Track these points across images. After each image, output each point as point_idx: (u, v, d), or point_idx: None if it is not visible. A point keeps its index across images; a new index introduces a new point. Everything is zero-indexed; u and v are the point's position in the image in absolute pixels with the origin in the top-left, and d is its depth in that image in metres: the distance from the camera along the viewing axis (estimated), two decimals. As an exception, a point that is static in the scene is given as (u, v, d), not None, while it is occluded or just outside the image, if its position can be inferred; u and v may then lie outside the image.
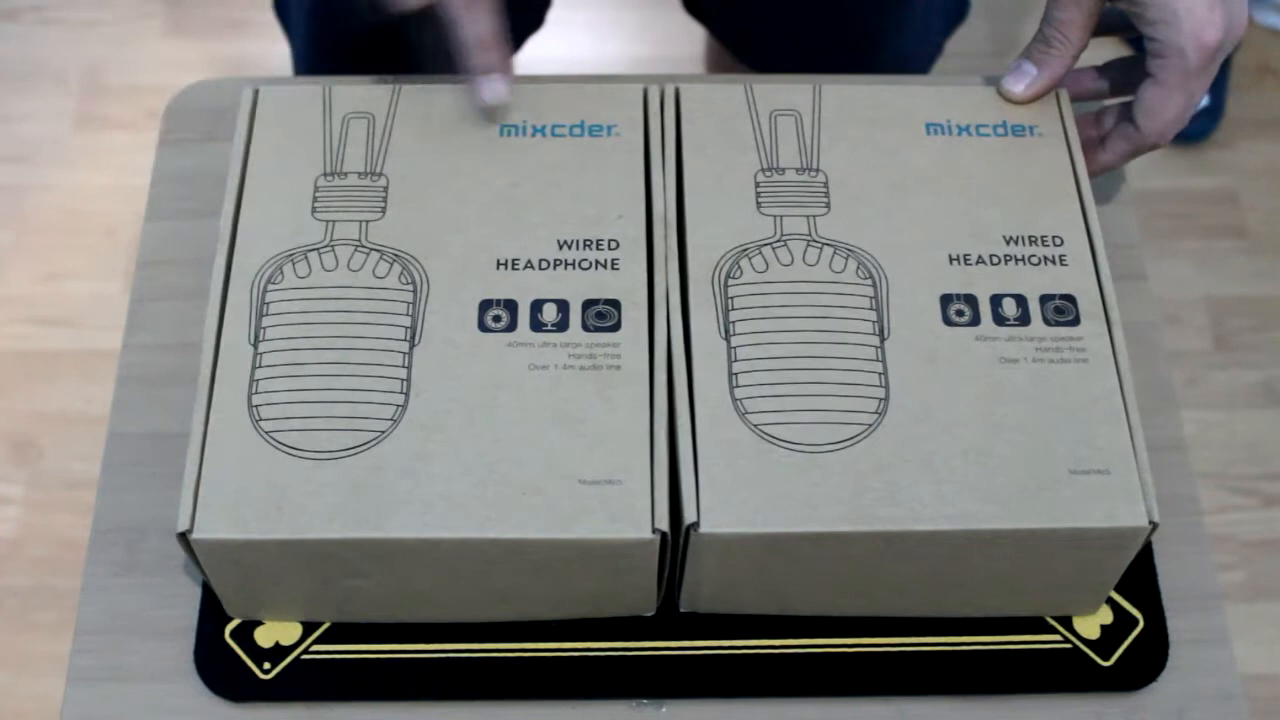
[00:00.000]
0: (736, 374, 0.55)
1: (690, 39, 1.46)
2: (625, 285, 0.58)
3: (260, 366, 0.55)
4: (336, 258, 0.58)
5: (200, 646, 0.58)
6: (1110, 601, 0.60)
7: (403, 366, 0.55)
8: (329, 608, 0.57)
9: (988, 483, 0.53)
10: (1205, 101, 1.57)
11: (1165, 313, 1.46)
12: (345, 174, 0.60)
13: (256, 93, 0.63)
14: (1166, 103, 0.60)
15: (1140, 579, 0.60)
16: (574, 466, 0.53)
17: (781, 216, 0.60)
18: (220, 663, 0.57)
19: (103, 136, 1.58)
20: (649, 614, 0.58)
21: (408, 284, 0.57)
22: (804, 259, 0.58)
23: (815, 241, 0.59)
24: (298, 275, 0.57)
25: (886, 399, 0.55)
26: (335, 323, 0.56)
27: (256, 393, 0.55)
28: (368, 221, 0.59)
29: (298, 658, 0.58)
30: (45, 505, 1.35)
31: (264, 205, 0.59)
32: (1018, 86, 0.63)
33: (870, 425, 0.54)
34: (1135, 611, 0.59)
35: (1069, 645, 0.59)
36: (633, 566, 0.54)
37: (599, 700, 0.57)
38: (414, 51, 0.63)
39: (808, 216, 0.60)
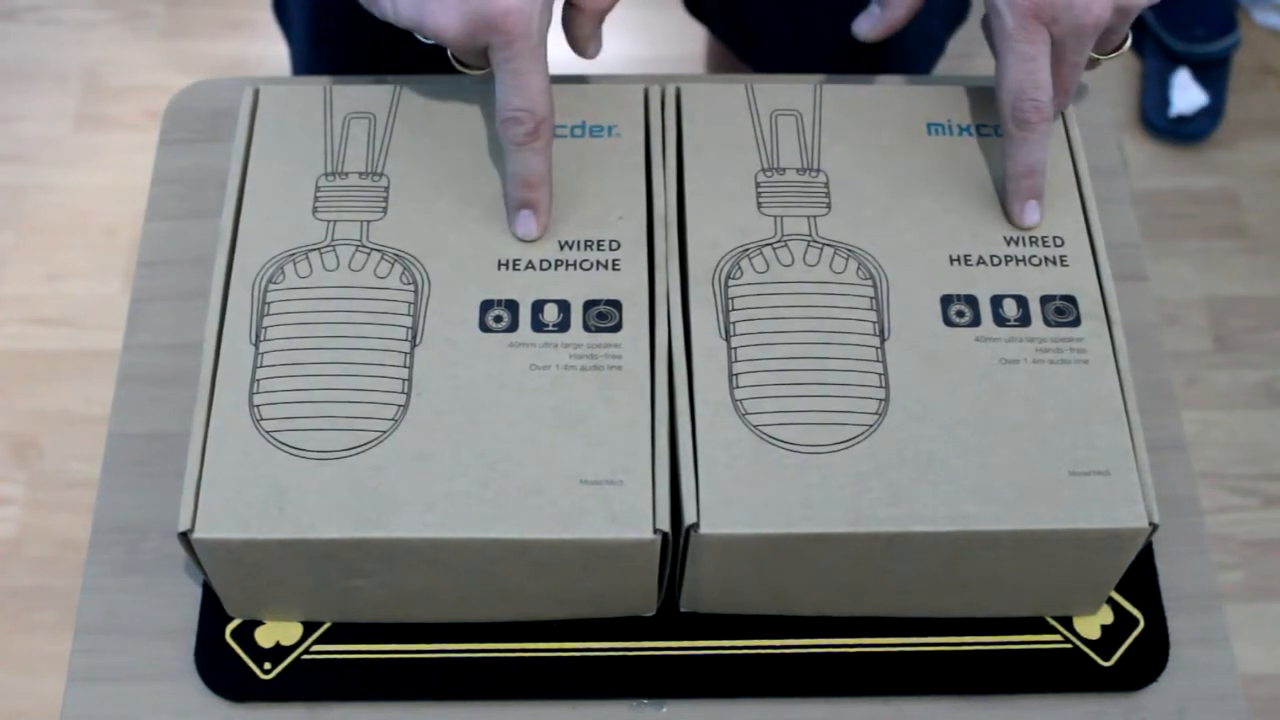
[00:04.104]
0: (737, 374, 0.55)
1: (690, 39, 1.46)
2: (626, 286, 0.58)
3: (261, 366, 0.55)
4: (338, 257, 0.58)
5: (200, 646, 0.58)
6: (1110, 601, 0.60)
7: (404, 366, 0.55)
8: (330, 608, 0.57)
9: (988, 484, 0.53)
10: (1206, 101, 1.57)
11: (1165, 313, 1.46)
12: (346, 174, 0.60)
13: (256, 93, 0.63)
14: (1003, 73, 0.58)
15: (1140, 579, 0.60)
16: (575, 467, 0.53)
17: (782, 217, 0.60)
18: (220, 663, 0.57)
19: (103, 136, 1.58)
20: (649, 614, 0.58)
21: (409, 284, 0.57)
22: (804, 259, 0.58)
23: (816, 242, 0.59)
24: (299, 275, 0.57)
25: (887, 400, 0.55)
26: (336, 323, 0.56)
27: (258, 392, 0.55)
28: (369, 221, 0.59)
29: (298, 658, 0.58)
30: (45, 505, 1.35)
31: (265, 205, 0.59)
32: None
33: (870, 426, 0.54)
34: (1135, 611, 0.59)
35: (1069, 645, 0.59)
36: (633, 567, 0.54)
37: (599, 700, 0.57)
38: (414, 53, 0.63)
39: (808, 217, 0.60)
